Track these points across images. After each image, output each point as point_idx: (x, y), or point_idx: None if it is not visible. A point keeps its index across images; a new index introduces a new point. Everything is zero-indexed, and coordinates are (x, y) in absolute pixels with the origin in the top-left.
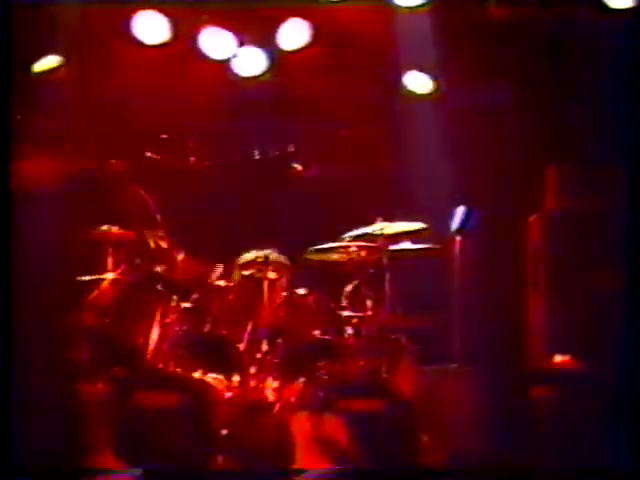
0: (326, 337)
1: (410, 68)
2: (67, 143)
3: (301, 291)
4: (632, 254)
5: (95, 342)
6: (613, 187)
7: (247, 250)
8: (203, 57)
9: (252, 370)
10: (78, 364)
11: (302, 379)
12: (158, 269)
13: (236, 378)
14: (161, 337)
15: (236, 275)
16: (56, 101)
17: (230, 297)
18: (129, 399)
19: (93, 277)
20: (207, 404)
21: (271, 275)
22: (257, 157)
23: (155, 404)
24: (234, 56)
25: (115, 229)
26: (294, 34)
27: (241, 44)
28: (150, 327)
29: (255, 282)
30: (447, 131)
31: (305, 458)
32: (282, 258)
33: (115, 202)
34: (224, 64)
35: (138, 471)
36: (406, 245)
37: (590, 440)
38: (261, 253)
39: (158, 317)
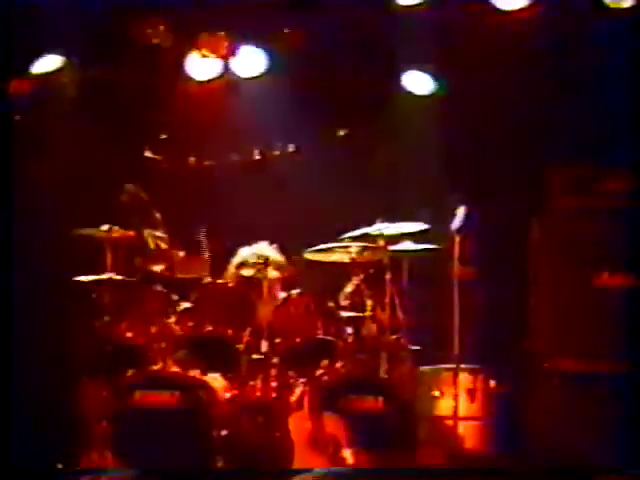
0: (326, 337)
1: (410, 67)
2: (67, 142)
3: (300, 291)
4: (633, 254)
5: (94, 342)
6: (614, 187)
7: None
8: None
9: (252, 370)
10: (78, 364)
11: (302, 379)
12: (158, 269)
13: (236, 378)
14: (160, 337)
15: (231, 273)
16: (56, 101)
17: (230, 297)
18: (128, 399)
19: (93, 277)
20: (207, 404)
21: (271, 275)
22: (257, 157)
23: (155, 404)
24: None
25: (115, 229)
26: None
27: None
28: (149, 327)
29: (255, 282)
30: (447, 131)
31: (305, 458)
32: (281, 258)
33: (115, 202)
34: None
35: (137, 471)
36: (407, 245)
37: (590, 440)
38: (257, 251)
39: (158, 317)
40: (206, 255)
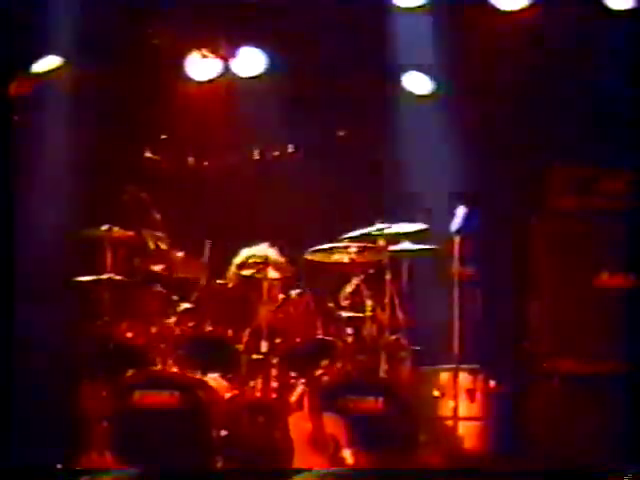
0: (326, 337)
1: (410, 68)
2: (67, 142)
3: (300, 291)
4: (633, 254)
5: (94, 342)
6: (614, 187)
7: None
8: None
9: (252, 370)
10: (78, 364)
11: (302, 379)
12: (157, 269)
13: (236, 378)
14: (160, 337)
15: (231, 274)
16: (56, 101)
17: (230, 297)
18: (128, 399)
19: (93, 277)
20: (207, 404)
21: (271, 275)
22: (257, 157)
23: (154, 404)
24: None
25: (115, 229)
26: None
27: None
28: (149, 327)
29: (255, 282)
30: (447, 131)
31: (305, 458)
32: (281, 258)
33: (115, 202)
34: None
35: (137, 471)
36: (406, 245)
37: (590, 440)
38: (257, 252)
39: (158, 317)
40: (206, 260)
